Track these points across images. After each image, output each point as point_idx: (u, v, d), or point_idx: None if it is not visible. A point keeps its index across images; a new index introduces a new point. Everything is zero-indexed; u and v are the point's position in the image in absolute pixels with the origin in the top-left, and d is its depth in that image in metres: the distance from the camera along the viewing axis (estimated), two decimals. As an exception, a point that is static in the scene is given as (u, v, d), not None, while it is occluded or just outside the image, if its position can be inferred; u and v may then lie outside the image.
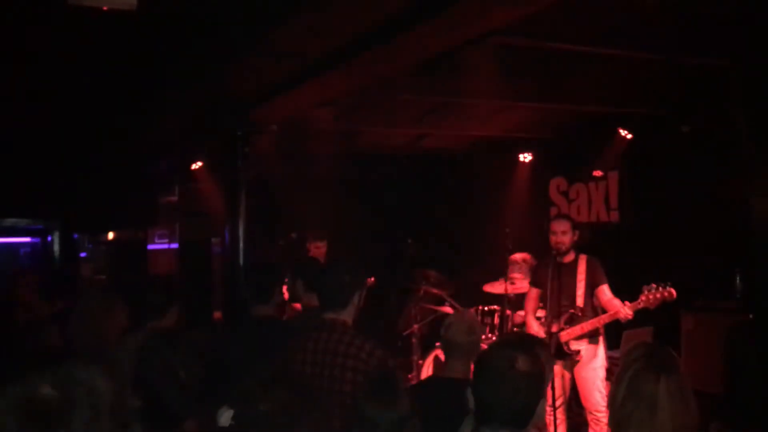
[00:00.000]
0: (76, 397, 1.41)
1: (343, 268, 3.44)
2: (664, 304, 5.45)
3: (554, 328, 5.74)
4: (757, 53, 2.10)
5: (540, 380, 2.26)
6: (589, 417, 5.60)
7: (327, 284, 3.38)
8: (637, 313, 5.51)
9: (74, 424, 1.39)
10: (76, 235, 9.73)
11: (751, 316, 5.93)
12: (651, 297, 5.38)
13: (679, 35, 4.68)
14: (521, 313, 6.67)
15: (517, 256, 7.34)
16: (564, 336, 5.72)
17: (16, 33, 4.48)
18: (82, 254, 10.02)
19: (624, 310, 5.45)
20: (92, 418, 1.42)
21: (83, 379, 1.45)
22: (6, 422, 1.36)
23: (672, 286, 5.45)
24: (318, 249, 7.96)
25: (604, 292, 5.72)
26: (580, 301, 5.77)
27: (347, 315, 3.29)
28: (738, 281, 6.53)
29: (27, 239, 10.00)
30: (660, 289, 5.38)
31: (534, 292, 6.20)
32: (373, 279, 8.32)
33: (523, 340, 2.75)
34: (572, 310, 5.75)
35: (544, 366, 2.31)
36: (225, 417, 2.19)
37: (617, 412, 2.53)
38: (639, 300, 5.42)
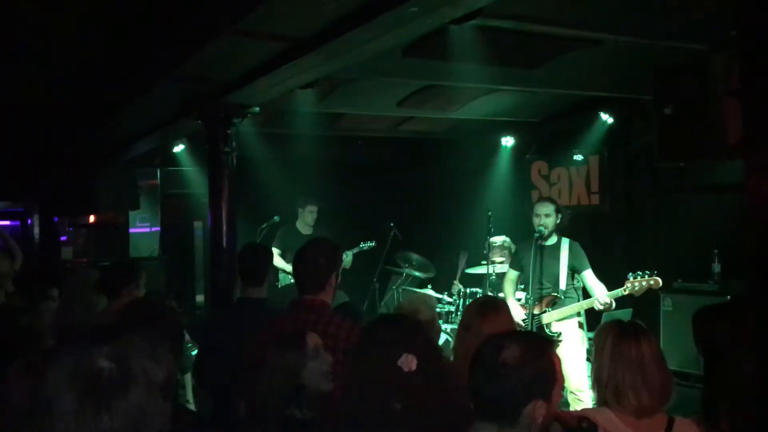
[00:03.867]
0: (133, 372, 1.42)
1: (318, 249, 3.36)
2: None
3: (536, 310, 5.81)
4: (754, 46, 2.12)
5: (533, 377, 2.03)
6: (571, 397, 5.67)
7: (302, 267, 3.32)
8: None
9: (131, 397, 1.40)
10: (56, 218, 9.64)
11: (728, 297, 6.05)
12: (636, 284, 5.47)
13: (660, 19, 4.71)
14: (501, 295, 6.72)
15: (497, 239, 7.39)
16: (546, 318, 5.78)
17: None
18: (63, 237, 9.94)
19: (602, 300, 5.56)
20: (149, 392, 1.44)
21: (140, 353, 1.47)
22: (59, 392, 1.37)
23: (650, 267, 5.54)
24: (312, 213, 8.00)
25: (589, 277, 5.80)
26: (562, 284, 5.83)
27: (325, 296, 3.25)
28: (716, 263, 6.62)
29: (7, 222, 9.91)
30: (646, 276, 5.46)
31: (513, 274, 6.25)
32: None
33: (523, 335, 2.75)
34: (555, 294, 5.82)
35: (547, 365, 2.08)
36: (413, 362, 2.22)
37: (608, 382, 2.57)
38: (624, 287, 5.51)
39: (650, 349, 2.58)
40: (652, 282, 5.46)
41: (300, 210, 8.00)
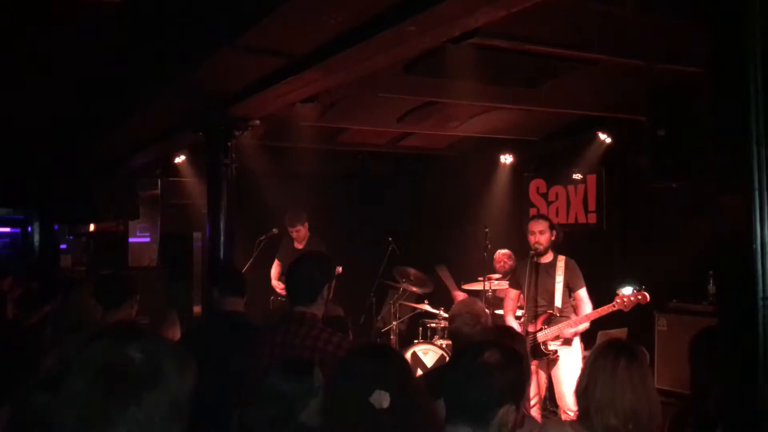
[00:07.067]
0: (164, 366, 1.41)
1: (312, 261, 3.42)
2: (639, 306, 5.57)
3: (531, 328, 5.82)
4: (723, 62, 2.17)
5: (509, 381, 2.10)
6: (564, 416, 5.67)
7: (296, 278, 3.36)
8: (613, 314, 5.63)
9: (161, 392, 1.39)
10: (56, 226, 9.68)
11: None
12: (626, 300, 5.50)
13: (654, 43, 4.77)
14: (499, 312, 6.73)
15: (499, 253, 7.41)
16: (541, 336, 5.80)
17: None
18: (63, 246, 9.97)
19: (572, 328, 5.69)
20: (177, 388, 1.43)
21: (170, 350, 1.47)
22: (86, 378, 1.37)
23: (646, 288, 5.57)
24: (298, 233, 7.97)
25: (579, 298, 5.84)
26: (558, 302, 5.84)
27: (316, 308, 3.28)
28: (711, 283, 6.64)
29: (7, 229, 9.96)
30: (634, 292, 5.49)
31: (513, 293, 6.26)
32: (340, 269, 8.27)
33: (500, 336, 2.75)
34: (550, 311, 5.84)
35: (521, 372, 2.16)
36: (385, 399, 2.23)
37: (583, 399, 2.56)
38: (613, 303, 5.54)
39: (627, 368, 2.52)
40: (640, 297, 5.50)
41: (287, 228, 8.04)
